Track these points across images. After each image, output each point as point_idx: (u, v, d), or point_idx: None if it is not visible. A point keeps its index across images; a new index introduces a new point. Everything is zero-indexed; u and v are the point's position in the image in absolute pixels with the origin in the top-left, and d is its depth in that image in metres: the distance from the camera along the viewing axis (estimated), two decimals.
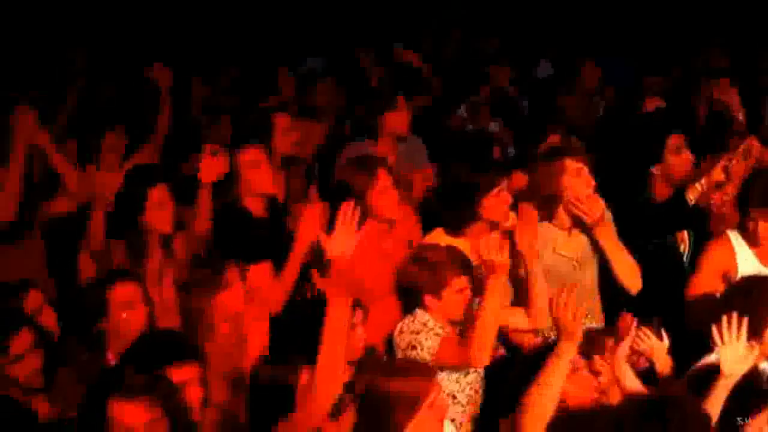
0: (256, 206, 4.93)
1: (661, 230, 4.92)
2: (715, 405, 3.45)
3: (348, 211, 3.36)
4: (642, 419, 3.05)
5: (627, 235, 4.71)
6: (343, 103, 7.20)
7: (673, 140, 5.01)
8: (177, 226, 4.73)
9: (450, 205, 4.62)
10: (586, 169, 4.58)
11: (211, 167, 4.72)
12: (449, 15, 9.64)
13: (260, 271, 4.47)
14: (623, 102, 7.34)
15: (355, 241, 3.27)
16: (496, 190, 4.54)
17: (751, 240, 4.57)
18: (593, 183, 4.58)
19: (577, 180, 4.55)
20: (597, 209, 4.51)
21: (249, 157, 4.93)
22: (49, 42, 8.02)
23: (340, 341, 3.18)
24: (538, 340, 4.34)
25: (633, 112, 6.66)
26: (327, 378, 3.18)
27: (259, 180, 4.91)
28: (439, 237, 4.59)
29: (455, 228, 4.57)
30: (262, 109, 6.07)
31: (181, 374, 3.34)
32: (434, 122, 6.84)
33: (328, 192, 4.87)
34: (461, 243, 4.51)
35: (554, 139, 5.92)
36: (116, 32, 8.50)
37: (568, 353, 3.54)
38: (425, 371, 3.54)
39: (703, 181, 4.82)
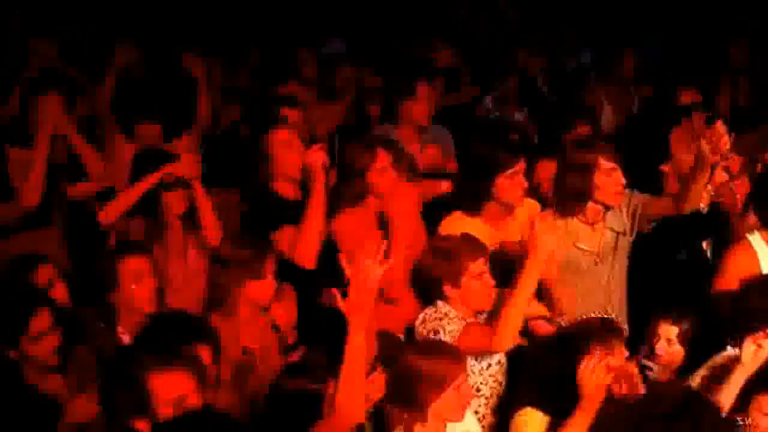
0: (286, 189, 4.93)
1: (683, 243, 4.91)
2: (729, 395, 3.47)
3: (376, 240, 3.42)
4: (669, 418, 3.03)
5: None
6: (363, 84, 7.19)
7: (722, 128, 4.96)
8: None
9: (466, 184, 4.68)
10: (618, 170, 4.57)
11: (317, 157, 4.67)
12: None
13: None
14: (658, 94, 7.28)
15: (381, 271, 3.27)
16: (509, 171, 4.57)
17: None
18: (624, 183, 4.57)
19: (608, 179, 4.54)
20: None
21: (281, 137, 4.91)
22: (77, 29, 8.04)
23: (361, 361, 3.23)
24: (552, 327, 4.33)
25: (667, 104, 6.61)
26: (349, 396, 3.22)
27: (290, 161, 4.88)
28: (458, 218, 4.66)
29: (472, 207, 4.62)
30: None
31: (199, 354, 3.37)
32: (462, 112, 6.83)
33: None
34: (478, 224, 4.58)
35: (583, 129, 5.90)
36: (138, 17, 8.51)
37: (535, 270, 3.83)
38: (456, 353, 3.66)
39: (709, 187, 4.77)
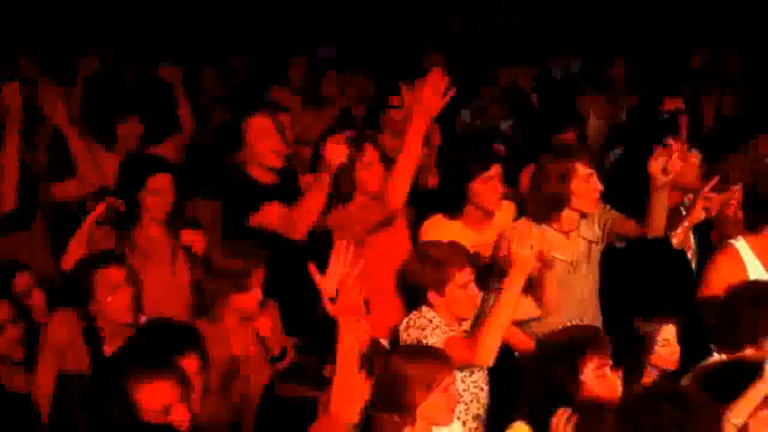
0: (262, 175, 4.94)
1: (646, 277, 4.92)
2: (747, 406, 3.47)
3: (342, 248, 3.46)
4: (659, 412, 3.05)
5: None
6: (352, 93, 7.23)
7: (675, 147, 4.99)
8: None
9: (446, 187, 4.74)
10: (595, 176, 4.59)
11: (338, 151, 4.65)
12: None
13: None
14: (644, 102, 7.33)
15: (353, 277, 3.32)
16: (484, 176, 4.62)
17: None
18: (600, 189, 4.59)
19: (585, 186, 4.57)
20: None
21: (257, 124, 4.93)
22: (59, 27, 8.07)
23: (353, 361, 3.24)
24: (532, 343, 4.33)
25: (653, 112, 6.65)
26: (344, 398, 3.24)
27: (265, 149, 4.89)
28: (438, 221, 4.70)
29: (452, 211, 4.67)
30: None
31: (188, 363, 3.40)
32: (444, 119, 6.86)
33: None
34: (459, 227, 4.63)
35: (567, 137, 5.93)
36: (131, 19, 8.54)
37: (517, 284, 3.83)
38: (443, 356, 3.69)
39: (685, 223, 4.78)
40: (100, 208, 4.63)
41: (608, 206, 4.73)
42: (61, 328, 4.08)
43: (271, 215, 4.65)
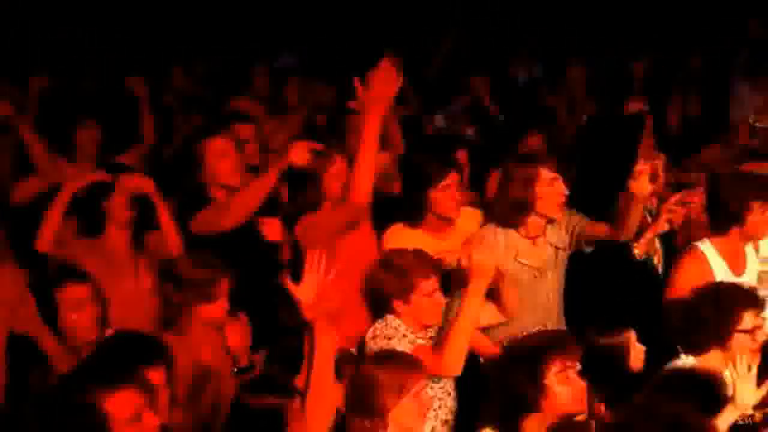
0: (223, 197, 4.91)
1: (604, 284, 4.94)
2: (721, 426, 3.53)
3: (315, 257, 3.46)
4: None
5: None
6: (314, 100, 7.23)
7: (643, 146, 5.06)
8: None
9: (406, 195, 4.74)
10: (560, 180, 4.63)
11: (302, 154, 4.67)
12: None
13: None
14: (607, 104, 7.39)
15: (327, 284, 3.32)
16: (441, 184, 4.62)
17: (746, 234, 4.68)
18: (566, 193, 4.62)
19: (550, 190, 4.60)
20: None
21: (216, 146, 4.92)
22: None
23: (329, 368, 3.25)
24: (497, 349, 4.36)
25: (615, 113, 6.70)
26: (318, 403, 3.25)
27: (225, 171, 4.88)
28: (399, 230, 4.70)
29: (412, 219, 4.68)
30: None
31: (154, 375, 3.38)
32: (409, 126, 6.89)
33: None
34: (420, 235, 4.63)
35: (533, 140, 5.96)
36: (99, 23, 8.50)
37: (479, 292, 3.88)
38: (413, 362, 3.70)
39: (648, 235, 4.82)
40: (81, 182, 4.63)
41: (575, 210, 4.76)
42: (4, 281, 4.01)
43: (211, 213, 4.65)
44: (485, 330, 4.50)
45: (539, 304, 4.65)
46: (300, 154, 4.62)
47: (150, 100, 6.39)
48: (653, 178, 4.56)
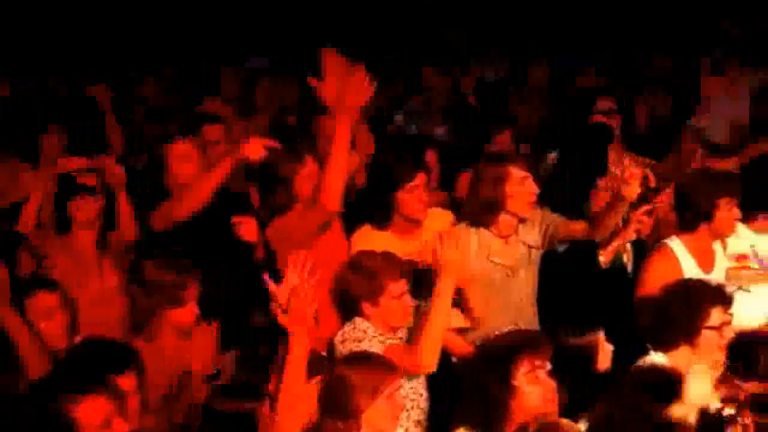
0: None
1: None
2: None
3: (298, 259, 3.49)
4: None
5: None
6: (285, 102, 7.24)
7: (615, 152, 5.10)
8: None
9: (373, 197, 4.75)
10: (530, 179, 4.65)
11: (257, 148, 4.71)
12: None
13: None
14: (575, 102, 7.42)
15: (312, 282, 3.35)
16: (409, 186, 4.63)
17: (714, 231, 4.73)
18: (537, 192, 4.65)
19: (520, 188, 4.62)
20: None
21: (179, 151, 4.95)
22: None
23: (301, 372, 3.26)
24: (470, 348, 4.38)
25: (584, 112, 6.73)
26: (289, 406, 3.26)
27: (187, 174, 4.91)
28: (367, 232, 4.71)
29: (380, 221, 4.69)
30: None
31: (124, 382, 3.38)
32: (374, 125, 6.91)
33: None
34: (388, 237, 4.64)
35: (502, 139, 5.99)
36: (64, 29, 8.48)
37: (448, 289, 3.90)
38: (387, 363, 3.70)
39: (615, 243, 4.83)
40: (71, 164, 4.71)
41: (549, 209, 4.78)
42: None
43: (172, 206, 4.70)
44: (459, 330, 4.52)
45: (512, 303, 4.67)
46: (254, 149, 4.65)
47: (119, 110, 6.39)
48: (643, 183, 4.61)
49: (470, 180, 4.82)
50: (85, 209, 4.74)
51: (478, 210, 4.65)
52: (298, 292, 3.34)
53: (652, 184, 4.76)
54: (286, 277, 3.47)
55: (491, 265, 4.64)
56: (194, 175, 4.88)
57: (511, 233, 4.69)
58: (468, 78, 8.00)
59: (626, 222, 4.81)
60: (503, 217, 4.65)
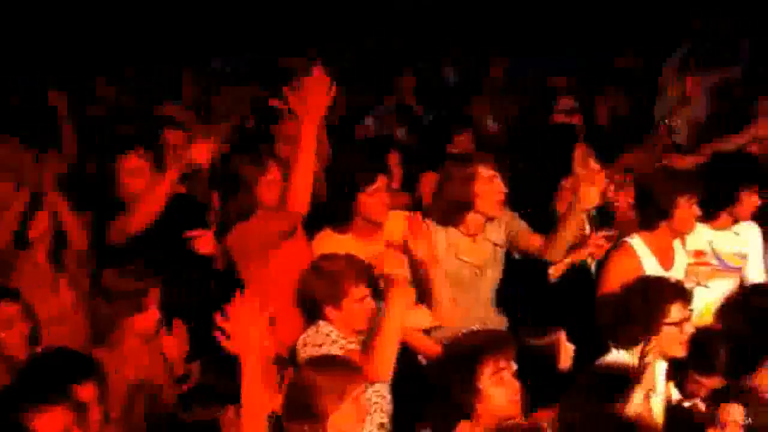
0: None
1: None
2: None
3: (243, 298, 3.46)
4: None
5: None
6: (246, 105, 7.22)
7: (579, 152, 5.12)
8: None
9: (333, 200, 4.75)
10: (498, 178, 4.68)
11: (204, 152, 4.74)
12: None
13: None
14: (535, 102, 7.47)
15: (264, 320, 3.36)
16: (370, 188, 4.64)
17: (674, 229, 4.78)
18: (504, 191, 4.68)
19: (488, 188, 4.65)
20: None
21: (129, 164, 4.94)
22: None
23: (258, 389, 3.28)
24: (438, 347, 4.41)
25: (545, 112, 6.78)
26: (253, 412, 3.26)
27: (138, 188, 4.90)
28: (328, 235, 4.72)
29: (340, 224, 4.69)
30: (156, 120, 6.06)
31: (85, 393, 3.36)
32: (338, 128, 6.92)
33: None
34: (348, 240, 4.65)
35: (462, 138, 6.02)
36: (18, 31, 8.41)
37: (398, 301, 3.93)
38: (352, 366, 3.73)
39: (568, 260, 4.87)
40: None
41: (517, 216, 4.83)
42: None
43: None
44: (428, 330, 4.55)
45: (481, 302, 4.72)
46: (199, 153, 4.67)
47: (75, 112, 6.34)
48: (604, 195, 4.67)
49: (438, 179, 4.84)
50: (35, 226, 4.71)
51: (447, 209, 4.68)
52: (242, 321, 3.33)
53: (611, 194, 4.81)
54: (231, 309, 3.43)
55: (460, 263, 4.68)
56: (144, 190, 4.86)
57: (478, 232, 4.73)
58: (408, 79, 8.00)
59: (584, 241, 4.85)
60: (471, 217, 4.69)
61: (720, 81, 7.20)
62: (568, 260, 4.85)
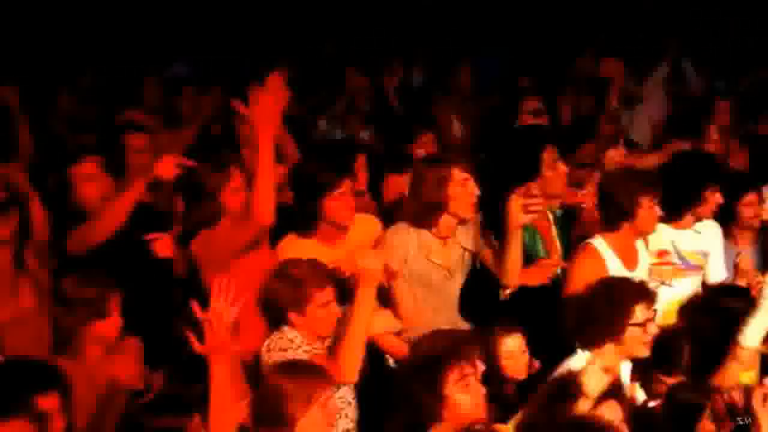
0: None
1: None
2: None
3: (222, 284, 3.50)
4: None
5: None
6: (208, 111, 7.19)
7: (548, 154, 5.12)
8: None
9: (297, 205, 4.75)
10: (471, 180, 4.70)
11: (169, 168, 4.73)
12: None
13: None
14: (501, 102, 7.49)
15: (234, 311, 3.36)
16: (336, 192, 4.64)
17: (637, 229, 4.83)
18: (477, 193, 4.69)
19: (462, 190, 4.66)
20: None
21: (84, 170, 4.93)
22: None
23: (227, 394, 3.27)
24: (404, 348, 4.41)
25: (510, 113, 6.81)
26: (220, 420, 3.26)
27: (92, 195, 4.90)
28: (292, 240, 4.71)
29: (304, 229, 4.69)
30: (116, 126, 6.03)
31: (47, 403, 3.35)
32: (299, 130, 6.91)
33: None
34: (313, 244, 4.65)
35: (425, 139, 6.04)
36: None
37: (367, 299, 3.99)
38: (320, 371, 3.73)
39: (520, 282, 4.88)
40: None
41: (491, 234, 4.86)
42: None
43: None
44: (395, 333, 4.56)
45: (450, 304, 4.73)
46: (165, 168, 4.69)
47: (35, 120, 6.28)
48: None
49: (411, 181, 4.84)
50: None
51: (420, 211, 4.68)
52: (218, 319, 3.34)
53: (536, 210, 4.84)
54: (211, 303, 3.47)
55: (430, 265, 4.69)
56: (100, 196, 4.87)
57: (450, 235, 4.74)
58: (390, 79, 8.04)
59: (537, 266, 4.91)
60: (444, 219, 4.69)
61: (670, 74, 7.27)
62: (520, 282, 4.85)
